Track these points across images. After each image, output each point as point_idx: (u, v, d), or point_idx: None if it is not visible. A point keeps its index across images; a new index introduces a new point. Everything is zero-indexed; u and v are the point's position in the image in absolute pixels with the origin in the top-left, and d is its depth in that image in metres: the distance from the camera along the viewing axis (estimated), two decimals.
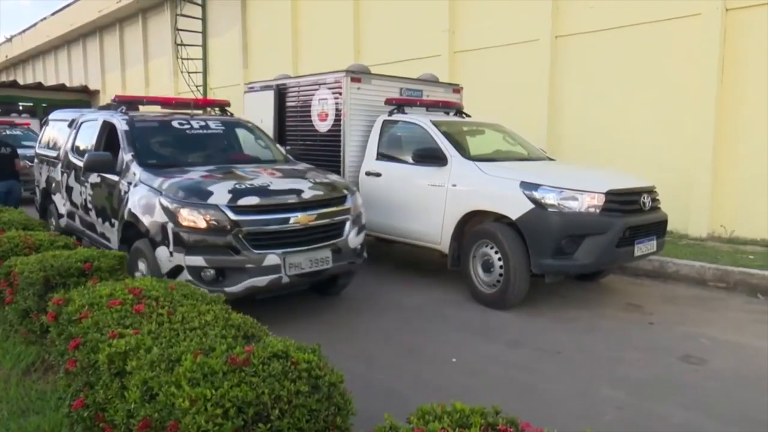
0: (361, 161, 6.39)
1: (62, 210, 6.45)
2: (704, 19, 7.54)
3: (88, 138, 5.96)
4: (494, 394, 3.31)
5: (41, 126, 7.94)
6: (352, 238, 4.73)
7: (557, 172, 5.43)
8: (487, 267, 5.05)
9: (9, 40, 32.95)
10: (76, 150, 6.17)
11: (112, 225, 5.03)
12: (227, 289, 4.01)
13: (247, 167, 4.95)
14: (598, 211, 4.77)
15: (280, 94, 7.44)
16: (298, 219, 4.30)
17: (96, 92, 25.33)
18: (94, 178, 5.43)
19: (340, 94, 6.50)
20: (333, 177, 5.11)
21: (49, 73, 29.91)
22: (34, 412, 2.90)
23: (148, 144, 5.18)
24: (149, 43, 21.43)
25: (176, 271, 4.07)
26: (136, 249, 4.44)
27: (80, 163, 5.73)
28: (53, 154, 6.87)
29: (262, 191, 4.28)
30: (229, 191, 4.15)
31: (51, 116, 7.72)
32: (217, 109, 6.42)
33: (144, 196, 4.42)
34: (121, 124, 5.27)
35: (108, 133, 5.55)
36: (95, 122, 5.87)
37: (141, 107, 6.05)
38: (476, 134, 6.48)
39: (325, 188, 4.68)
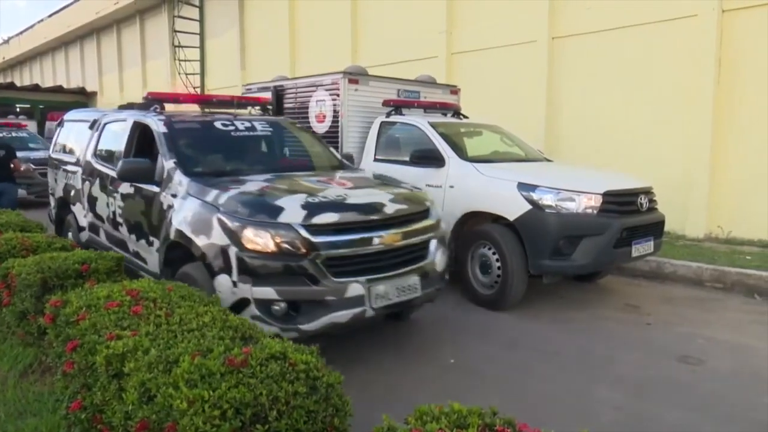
0: (359, 163, 6.40)
1: (83, 222, 5.67)
2: (701, 20, 7.57)
3: (114, 141, 5.23)
4: (492, 394, 3.31)
5: (56, 126, 7.08)
6: (439, 259, 4.02)
7: (555, 173, 5.44)
8: (485, 268, 5.05)
9: (6, 41, 32.92)
10: (99, 155, 5.45)
11: (150, 244, 4.32)
12: (302, 327, 3.31)
13: (309, 176, 4.36)
14: (595, 211, 4.78)
15: (278, 95, 7.44)
16: (383, 239, 3.57)
17: (93, 94, 25.29)
18: (125, 188, 4.68)
19: (338, 95, 6.51)
20: (408, 186, 4.42)
21: (47, 74, 29.86)
22: (32, 414, 2.90)
23: (191, 149, 4.49)
24: (147, 44, 21.41)
25: (241, 304, 3.32)
26: (185, 275, 3.68)
27: (106, 170, 5.10)
28: (71, 158, 6.11)
29: (339, 206, 3.57)
30: (303, 206, 3.45)
31: (67, 117, 6.94)
32: (257, 107, 5.75)
33: (196, 213, 3.70)
34: (157, 125, 4.52)
35: (139, 135, 4.86)
36: (123, 123, 5.13)
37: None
38: (474, 135, 6.49)
39: (407, 201, 3.95)
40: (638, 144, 8.24)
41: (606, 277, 6.04)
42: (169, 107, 5.33)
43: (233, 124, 4.80)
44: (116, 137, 5.20)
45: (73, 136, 6.38)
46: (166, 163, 4.22)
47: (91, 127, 5.83)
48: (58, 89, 25.88)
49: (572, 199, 4.76)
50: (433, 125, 5.93)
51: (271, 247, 3.33)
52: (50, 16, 27.40)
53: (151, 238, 4.29)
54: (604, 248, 4.71)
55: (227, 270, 3.38)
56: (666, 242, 6.23)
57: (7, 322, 3.83)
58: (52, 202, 6.77)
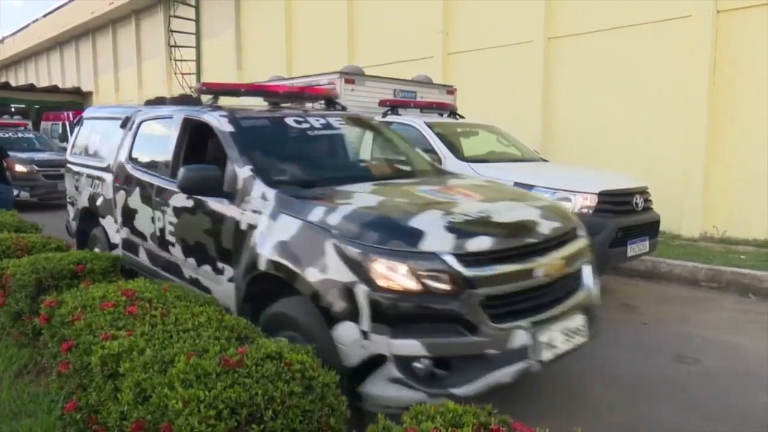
0: None
1: (115, 238, 4.79)
2: (696, 21, 7.60)
3: (157, 143, 4.41)
4: (487, 394, 3.31)
5: (74, 125, 6.22)
6: (596, 289, 3.17)
7: (551, 172, 5.46)
8: None
9: (1, 41, 32.81)
10: (137, 160, 4.59)
11: (218, 271, 3.45)
12: (456, 391, 2.46)
13: (416, 183, 3.61)
14: (591, 211, 4.79)
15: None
16: (545, 268, 2.77)
17: (89, 94, 25.24)
18: (179, 200, 3.80)
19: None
20: (540, 194, 3.59)
21: (42, 74, 29.78)
22: (27, 414, 2.88)
23: (266, 153, 3.66)
24: (142, 44, 21.37)
25: (373, 362, 2.49)
26: (281, 316, 2.86)
27: (148, 178, 4.27)
28: (97, 162, 5.18)
29: (488, 226, 2.77)
30: (447, 228, 2.64)
31: (89, 113, 6.07)
32: (322, 102, 4.92)
33: (297, 236, 2.86)
34: (221, 123, 3.69)
35: (192, 136, 4.07)
36: (167, 122, 4.32)
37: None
38: (470, 135, 6.50)
39: (558, 216, 3.15)
40: (634, 144, 8.27)
41: (601, 277, 6.05)
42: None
43: (307, 121, 3.98)
44: (159, 138, 4.40)
45: (98, 137, 5.48)
46: (240, 170, 3.37)
47: (123, 126, 4.94)
48: (53, 89, 25.80)
49: (568, 199, 4.77)
50: (430, 125, 5.93)
51: (413, 285, 2.49)
52: (45, 15, 27.35)
53: (221, 265, 3.43)
54: (599, 248, 4.73)
55: (353, 316, 2.52)
56: (661, 242, 6.25)
57: (2, 322, 3.81)
58: (71, 213, 5.80)
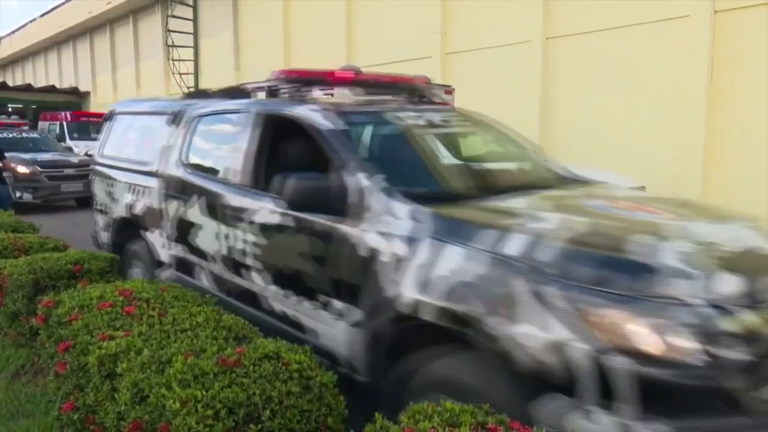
0: None
1: (163, 255, 4.08)
2: (693, 21, 7.61)
3: (224, 143, 3.76)
4: None
5: (103, 122, 5.48)
6: None
7: None
8: None
9: None
10: (194, 164, 3.89)
11: (331, 310, 2.71)
12: None
13: (579, 196, 2.90)
14: None
15: (272, 95, 7.42)
16: None
17: (86, 94, 25.20)
18: (267, 215, 3.07)
19: (332, 95, 6.50)
20: (737, 212, 2.89)
21: (39, 74, 29.72)
22: (24, 415, 2.88)
23: (385, 156, 3.16)
24: (140, 44, 21.34)
25: None
26: (445, 381, 2.15)
27: (216, 188, 3.53)
28: (138, 165, 4.44)
29: (727, 258, 2.07)
30: (685, 263, 1.95)
31: (121, 107, 5.26)
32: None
33: (467, 271, 2.15)
34: (321, 119, 3.03)
35: (273, 136, 3.40)
36: (239, 117, 3.62)
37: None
38: (468, 135, 6.49)
39: None
40: (633, 144, 8.27)
41: None
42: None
43: (423, 117, 3.33)
44: (226, 138, 3.72)
45: (136, 135, 4.77)
46: (352, 179, 2.68)
47: (172, 122, 4.22)
48: (50, 89, 25.76)
49: None
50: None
51: (659, 345, 1.79)
52: (43, 15, 27.29)
53: (335, 302, 2.69)
54: None
55: (567, 387, 1.85)
56: None
57: None
58: (100, 222, 4.99)
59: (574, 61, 9.05)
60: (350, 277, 2.59)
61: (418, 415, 1.68)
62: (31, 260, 3.66)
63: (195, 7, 17.74)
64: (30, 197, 11.04)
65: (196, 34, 17.85)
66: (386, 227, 2.47)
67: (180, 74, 17.06)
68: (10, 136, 12.68)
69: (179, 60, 16.96)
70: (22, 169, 10.95)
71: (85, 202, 12.00)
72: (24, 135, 13.27)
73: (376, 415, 1.73)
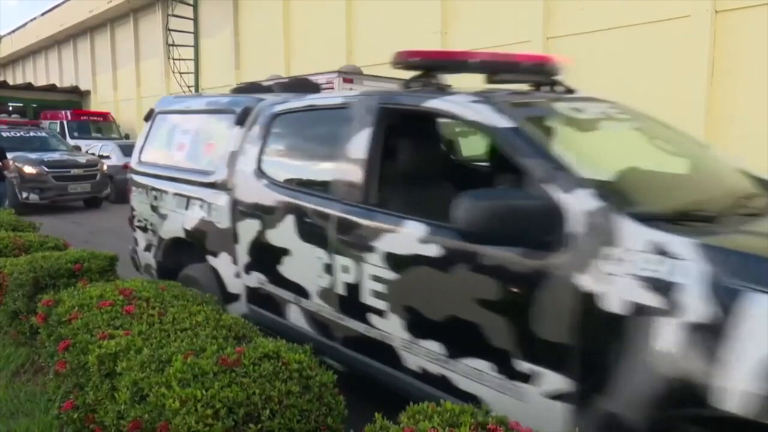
0: None
1: (233, 286, 3.37)
2: (693, 21, 7.61)
3: (319, 147, 3.18)
4: None
5: (146, 119, 4.58)
6: None
7: None
8: None
9: None
10: (272, 174, 3.17)
11: (523, 378, 2.05)
12: None
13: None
14: None
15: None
16: None
17: (87, 93, 25.20)
18: (407, 243, 2.37)
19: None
20: None
21: (40, 73, 29.72)
22: (24, 414, 2.88)
23: (597, 165, 2.45)
24: (140, 43, 21.34)
25: None
26: None
27: (318, 206, 2.80)
28: (196, 176, 3.66)
29: None
30: None
31: (163, 105, 4.43)
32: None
33: None
34: (498, 116, 2.29)
35: (410, 139, 2.85)
36: (341, 113, 2.88)
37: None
38: (468, 135, 6.50)
39: None
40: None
41: None
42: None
43: (585, 111, 2.76)
44: (322, 140, 3.12)
45: (188, 138, 3.96)
46: (569, 197, 1.94)
47: (240, 123, 3.45)
48: (51, 88, 25.76)
49: None
50: None
51: None
52: (43, 14, 27.30)
53: (527, 367, 2.03)
54: None
55: None
56: None
57: None
58: (142, 241, 4.22)
59: (574, 60, 9.04)
60: (575, 341, 1.87)
61: (418, 415, 1.68)
62: (31, 259, 3.65)
63: (195, 7, 17.73)
64: (37, 198, 10.80)
65: (196, 34, 17.85)
66: (657, 273, 1.70)
67: (180, 73, 17.06)
68: (18, 135, 12.53)
69: (179, 59, 16.96)
70: (28, 170, 10.72)
71: (93, 202, 11.98)
72: (32, 134, 12.98)
73: (376, 415, 1.73)
